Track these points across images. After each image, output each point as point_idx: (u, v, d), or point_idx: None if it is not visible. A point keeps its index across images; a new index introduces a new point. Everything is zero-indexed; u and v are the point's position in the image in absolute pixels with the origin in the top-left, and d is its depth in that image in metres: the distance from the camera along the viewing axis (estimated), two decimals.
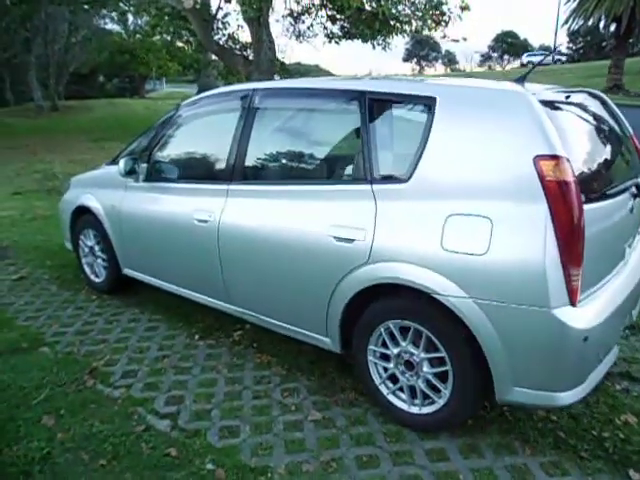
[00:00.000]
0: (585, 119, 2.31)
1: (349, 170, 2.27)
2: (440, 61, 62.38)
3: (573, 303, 1.79)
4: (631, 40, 25.47)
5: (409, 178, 2.04)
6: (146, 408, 2.42)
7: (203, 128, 3.03)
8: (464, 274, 1.89)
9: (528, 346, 1.83)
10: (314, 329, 2.46)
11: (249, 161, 2.65)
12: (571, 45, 53.81)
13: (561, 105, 2.06)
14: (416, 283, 1.99)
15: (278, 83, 2.79)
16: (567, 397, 1.86)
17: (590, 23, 26.05)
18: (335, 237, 2.20)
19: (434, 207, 1.97)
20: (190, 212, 2.84)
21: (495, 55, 61.40)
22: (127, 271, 3.53)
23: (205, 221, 2.75)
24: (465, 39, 12.85)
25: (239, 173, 2.65)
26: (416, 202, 2.02)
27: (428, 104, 2.05)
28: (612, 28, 25.85)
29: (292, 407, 2.42)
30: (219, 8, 15.11)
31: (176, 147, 3.11)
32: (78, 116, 20.49)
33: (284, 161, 2.63)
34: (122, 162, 3.10)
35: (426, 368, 2.13)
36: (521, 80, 2.35)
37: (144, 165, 3.16)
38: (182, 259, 3.02)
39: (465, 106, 1.99)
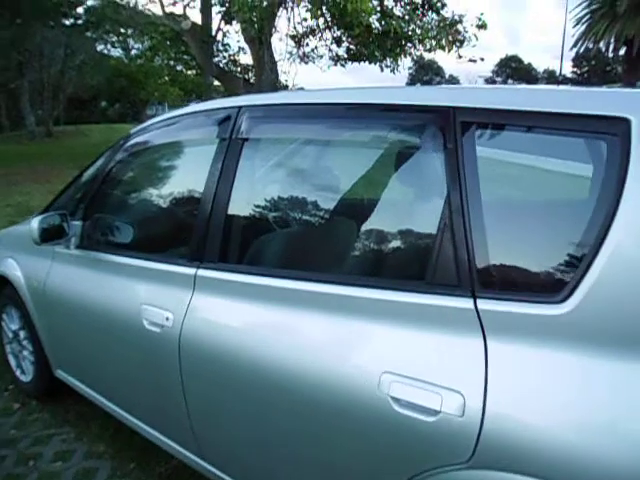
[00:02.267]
0: None
1: (421, 264, 1.16)
2: (444, 86, 61.99)
3: None
4: None
5: (570, 293, 0.93)
6: None
7: (158, 171, 1.94)
8: None
9: None
10: None
11: (231, 230, 1.56)
12: (576, 70, 53.45)
13: None
14: None
15: (281, 97, 1.68)
16: None
17: (600, 46, 25.60)
18: (396, 399, 1.09)
19: None
20: (137, 307, 1.73)
21: (499, 80, 60.99)
22: (60, 374, 2.40)
23: (159, 326, 1.65)
24: (483, 59, 11.96)
25: (214, 250, 1.55)
26: (593, 352, 0.91)
27: (607, 133, 0.95)
28: (622, 51, 25.22)
29: None
30: (219, 29, 14.38)
31: (120, 199, 2.01)
32: (72, 142, 19.60)
33: (292, 236, 1.53)
34: (36, 222, 1.97)
35: None
36: None
37: (77, 224, 2.06)
38: (130, 376, 1.91)
39: None
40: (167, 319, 1.63)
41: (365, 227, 1.35)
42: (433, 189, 1.14)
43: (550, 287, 0.97)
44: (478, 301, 1.03)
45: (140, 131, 1.95)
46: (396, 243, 1.28)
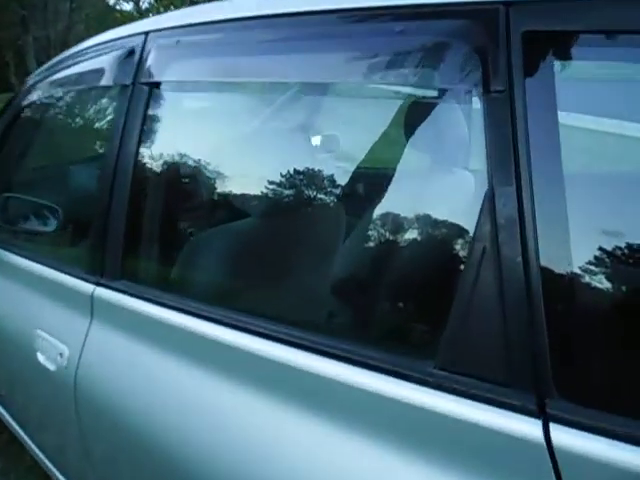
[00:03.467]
0: None
1: (429, 328, 0.60)
2: None
3: None
4: None
5: None
6: None
7: (54, 134, 1.37)
8: None
9: None
10: None
11: (140, 229, 1.00)
12: None
13: None
14: None
15: (214, 8, 0.97)
16: None
17: None
18: None
19: None
20: (30, 332, 1.22)
21: None
22: None
23: (54, 363, 1.14)
24: None
25: (116, 259, 1.00)
26: None
27: None
28: None
29: None
30: None
31: (21, 176, 1.46)
32: None
33: (235, 248, 0.98)
34: None
35: None
36: None
37: None
38: (38, 415, 1.44)
39: None
40: (61, 355, 1.12)
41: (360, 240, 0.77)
42: (458, 176, 0.57)
43: None
44: (552, 427, 0.48)
45: (40, 75, 1.37)
46: (387, 282, 0.70)
